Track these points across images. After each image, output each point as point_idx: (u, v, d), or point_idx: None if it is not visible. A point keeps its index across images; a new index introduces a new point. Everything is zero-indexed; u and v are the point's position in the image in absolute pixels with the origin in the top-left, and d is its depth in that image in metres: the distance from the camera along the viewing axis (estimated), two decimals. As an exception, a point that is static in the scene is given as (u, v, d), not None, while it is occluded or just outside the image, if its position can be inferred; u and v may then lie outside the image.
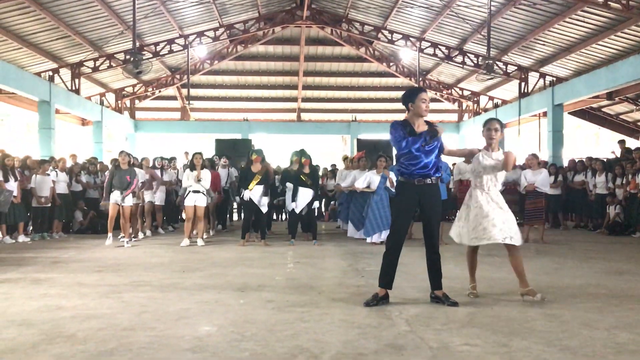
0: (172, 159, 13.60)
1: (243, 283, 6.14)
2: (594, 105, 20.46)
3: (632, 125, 21.07)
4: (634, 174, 11.83)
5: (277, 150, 21.91)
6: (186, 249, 9.47)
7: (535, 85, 18.87)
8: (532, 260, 8.15)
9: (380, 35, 19.70)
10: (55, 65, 17.20)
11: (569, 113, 19.51)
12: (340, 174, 13.06)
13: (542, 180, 10.45)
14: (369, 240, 10.24)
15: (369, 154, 12.62)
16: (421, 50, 19.46)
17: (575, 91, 16.05)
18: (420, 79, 21.85)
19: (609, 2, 12.56)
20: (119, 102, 22.57)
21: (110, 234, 9.89)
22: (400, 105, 22.58)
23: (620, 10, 12.73)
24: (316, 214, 12.65)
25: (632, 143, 17.77)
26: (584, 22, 14.55)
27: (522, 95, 19.03)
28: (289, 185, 10.60)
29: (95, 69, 18.42)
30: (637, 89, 13.59)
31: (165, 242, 10.63)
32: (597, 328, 4.25)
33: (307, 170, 10.33)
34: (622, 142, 14.66)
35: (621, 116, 21.44)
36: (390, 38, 19.64)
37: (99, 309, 4.89)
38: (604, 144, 23.21)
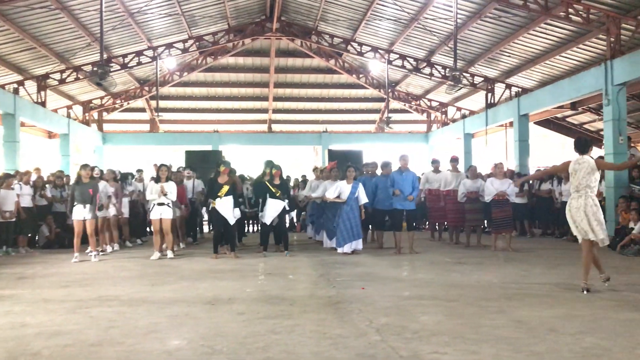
0: (139, 171, 13.45)
1: (213, 296, 6.09)
2: (559, 115, 20.96)
3: (595, 134, 21.61)
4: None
5: (248, 162, 21.83)
6: (155, 263, 9.35)
7: (502, 96, 19.22)
8: (501, 267, 8.27)
9: (349, 47, 19.87)
10: (20, 78, 16.86)
11: (534, 123, 19.93)
12: (310, 185, 13.10)
13: (511, 190, 10.62)
14: (339, 250, 10.25)
15: (339, 164, 12.68)
16: (390, 62, 19.68)
17: (540, 101, 16.41)
18: (389, 90, 22.08)
19: (570, 16, 12.91)
20: (87, 114, 22.22)
21: (77, 253, 9.63)
22: (370, 116, 22.78)
23: (581, 24, 13.09)
24: (288, 225, 12.63)
25: (595, 152, 18.20)
26: (547, 34, 14.93)
27: (489, 105, 19.36)
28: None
29: (62, 81, 18.11)
30: (599, 100, 13.93)
31: (134, 255, 10.48)
32: (563, 333, 4.34)
33: (277, 181, 10.33)
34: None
35: (585, 126, 21.99)
36: (359, 50, 19.82)
37: (66, 325, 4.80)
38: (568, 153, 23.72)
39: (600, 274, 6.38)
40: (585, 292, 6.01)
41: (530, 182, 14.29)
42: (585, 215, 6.11)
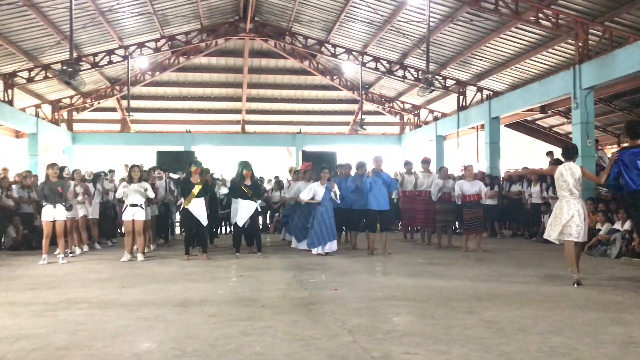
0: (111, 172, 13.25)
1: (185, 298, 6.03)
2: (529, 118, 21.29)
3: (564, 137, 22.01)
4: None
5: (221, 163, 21.66)
6: (126, 264, 9.22)
7: (473, 98, 19.47)
8: (472, 268, 8.37)
9: (323, 48, 19.89)
10: (-14, 76, 16.52)
11: (505, 125, 20.21)
12: (286, 186, 13.09)
13: (482, 191, 10.75)
14: (314, 251, 10.25)
15: (313, 165, 12.67)
16: (363, 64, 19.77)
17: (511, 104, 16.65)
18: (363, 92, 22.17)
19: (540, 21, 13.14)
20: (56, 113, 21.81)
21: (45, 255, 9.41)
22: (343, 118, 22.83)
23: (550, 28, 13.34)
24: (261, 226, 12.59)
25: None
26: (517, 38, 15.17)
27: (461, 108, 19.58)
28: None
29: (30, 80, 17.76)
30: (568, 103, 14.21)
31: (103, 257, 10.31)
32: (531, 333, 4.41)
33: (248, 182, 10.27)
34: (550, 154, 15.27)
35: (554, 128, 22.41)
36: (333, 52, 19.86)
37: (32, 329, 4.70)
38: (538, 155, 24.11)
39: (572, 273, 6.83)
40: (576, 285, 6.56)
41: (501, 183, 14.52)
42: (579, 217, 6.77)
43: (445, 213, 11.34)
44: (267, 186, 16.47)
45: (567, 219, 6.77)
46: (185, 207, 9.92)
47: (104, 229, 12.85)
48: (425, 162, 12.25)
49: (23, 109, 19.26)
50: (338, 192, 10.40)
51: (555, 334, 4.38)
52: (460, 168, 11.41)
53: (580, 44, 12.74)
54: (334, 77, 22.64)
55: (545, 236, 7.32)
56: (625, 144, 7.53)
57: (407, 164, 12.65)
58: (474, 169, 11.40)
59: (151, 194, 10.14)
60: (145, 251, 10.36)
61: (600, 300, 5.74)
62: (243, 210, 10.20)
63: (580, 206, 6.82)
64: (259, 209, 10.67)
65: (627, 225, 9.68)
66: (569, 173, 6.86)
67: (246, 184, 10.23)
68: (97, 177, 12.44)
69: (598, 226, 10.45)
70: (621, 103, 18.06)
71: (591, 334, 4.38)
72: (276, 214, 16.53)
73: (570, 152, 7.07)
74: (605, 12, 12.48)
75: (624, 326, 4.62)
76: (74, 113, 23.38)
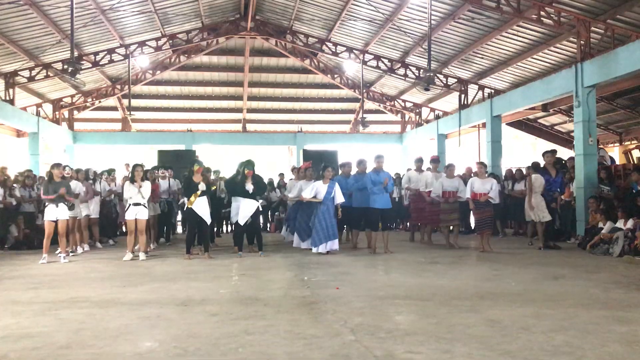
0: (112, 171, 13.23)
1: (186, 297, 6.02)
2: (531, 117, 21.25)
3: (565, 135, 21.98)
4: (567, 182, 12.32)
5: (222, 161, 21.68)
6: (127, 263, 9.21)
7: (475, 97, 19.42)
8: (474, 267, 8.35)
9: (324, 47, 19.86)
10: (-13, 75, 16.50)
11: (506, 124, 20.18)
12: (288, 185, 13.07)
13: (494, 191, 10.50)
14: (314, 250, 10.23)
15: (314, 164, 12.63)
16: (364, 62, 19.73)
17: (512, 103, 16.61)
18: (364, 90, 22.14)
19: (542, 18, 13.10)
20: (57, 112, 21.80)
21: (45, 254, 9.38)
22: (344, 116, 22.83)
23: (552, 26, 13.30)
24: (262, 225, 12.55)
25: (566, 153, 18.51)
26: (519, 36, 15.13)
27: (462, 106, 19.54)
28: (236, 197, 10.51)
29: (31, 79, 17.75)
30: (570, 101, 14.17)
31: (105, 256, 10.31)
32: (534, 332, 4.39)
33: (250, 181, 10.24)
34: (553, 152, 15.24)
35: (556, 127, 22.35)
36: (334, 50, 19.82)
37: (34, 328, 4.69)
38: (540, 153, 24.07)
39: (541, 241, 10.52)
40: (538, 247, 10.57)
41: (503, 182, 14.47)
42: (543, 207, 10.68)
43: (450, 212, 11.16)
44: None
45: (539, 207, 10.65)
46: (189, 206, 9.88)
47: (105, 229, 12.85)
48: (434, 161, 12.04)
49: (24, 108, 19.25)
50: (340, 195, 10.35)
51: (558, 332, 4.36)
52: (471, 167, 11.38)
53: (582, 42, 12.70)
54: (335, 76, 22.60)
55: (527, 219, 11.17)
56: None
57: (418, 161, 12.31)
58: (485, 167, 11.13)
59: (146, 194, 10.05)
60: (147, 250, 10.35)
61: (603, 299, 5.72)
62: (244, 209, 10.18)
63: (540, 199, 10.76)
64: (260, 208, 10.65)
65: (630, 223, 9.65)
66: (538, 181, 10.80)
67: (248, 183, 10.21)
68: (98, 176, 12.45)
69: (600, 225, 10.42)
70: (623, 101, 18.02)
71: (595, 332, 4.36)
72: (276, 213, 16.51)
73: (537, 168, 11.41)
74: (607, 9, 12.44)
75: (628, 325, 4.60)
76: (75, 112, 23.38)
